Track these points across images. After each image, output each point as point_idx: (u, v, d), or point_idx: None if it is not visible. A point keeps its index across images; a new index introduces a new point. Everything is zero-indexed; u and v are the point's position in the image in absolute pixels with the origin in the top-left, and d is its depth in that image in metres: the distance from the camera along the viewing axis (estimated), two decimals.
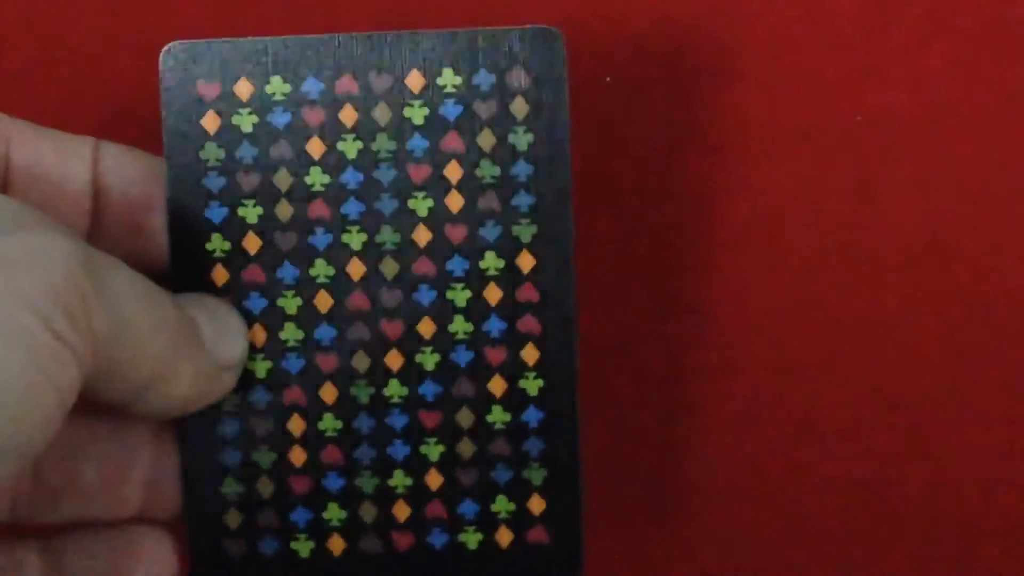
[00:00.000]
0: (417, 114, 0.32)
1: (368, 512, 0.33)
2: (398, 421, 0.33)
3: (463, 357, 0.33)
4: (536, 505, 0.33)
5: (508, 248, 0.33)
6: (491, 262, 0.33)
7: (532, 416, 0.33)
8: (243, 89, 0.32)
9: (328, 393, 0.33)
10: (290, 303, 0.33)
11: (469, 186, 0.33)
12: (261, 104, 0.32)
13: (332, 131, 0.32)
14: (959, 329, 0.39)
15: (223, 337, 0.32)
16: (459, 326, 0.33)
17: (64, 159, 0.33)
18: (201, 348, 0.31)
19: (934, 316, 0.39)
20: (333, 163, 0.33)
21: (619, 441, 0.39)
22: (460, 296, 0.33)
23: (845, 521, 0.40)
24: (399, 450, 0.33)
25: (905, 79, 0.39)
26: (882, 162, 0.39)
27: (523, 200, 0.33)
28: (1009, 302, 0.39)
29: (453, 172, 0.33)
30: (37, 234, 0.28)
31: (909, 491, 0.40)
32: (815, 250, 0.39)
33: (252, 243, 0.33)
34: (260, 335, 0.33)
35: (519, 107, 0.33)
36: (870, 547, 0.40)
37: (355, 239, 0.33)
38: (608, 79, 0.39)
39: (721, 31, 0.39)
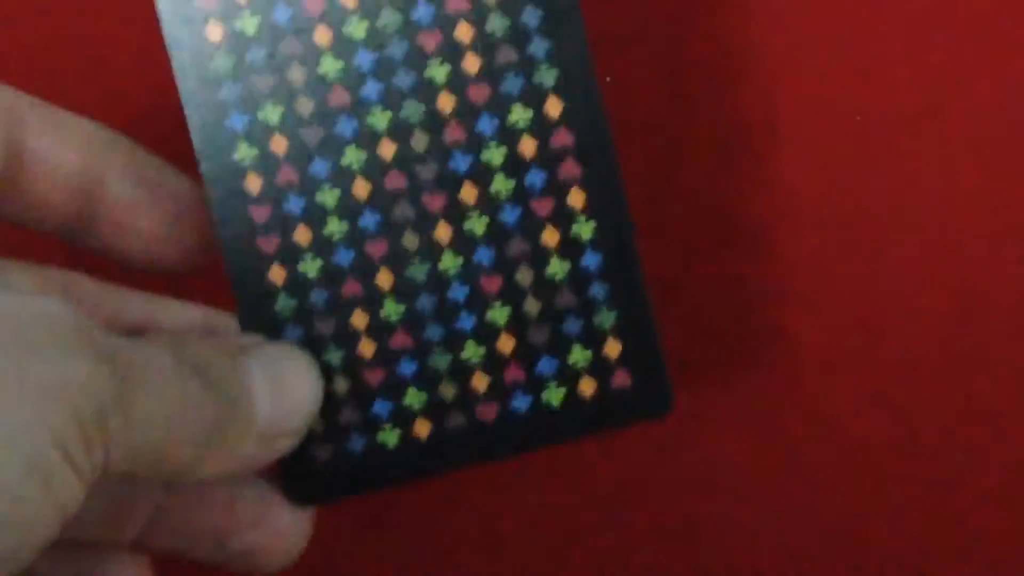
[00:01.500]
0: None
1: (447, 390, 0.33)
2: (459, 292, 0.33)
3: (511, 215, 0.33)
4: (612, 349, 0.33)
5: (534, 97, 0.32)
6: (519, 114, 0.32)
7: (591, 260, 0.33)
8: None
9: (384, 279, 0.33)
10: (329, 196, 0.33)
11: (483, 44, 0.32)
12: (261, 3, 0.32)
13: (336, 15, 0.32)
14: (960, 329, 0.39)
15: (281, 399, 0.31)
16: (500, 185, 0.33)
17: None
18: (251, 419, 0.31)
19: (935, 315, 0.39)
20: (343, 48, 0.32)
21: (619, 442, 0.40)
22: (496, 154, 0.32)
23: (847, 521, 0.40)
24: (466, 321, 0.33)
25: (905, 79, 0.39)
26: (882, 162, 0.39)
27: (539, 46, 0.32)
28: (1010, 302, 0.39)
29: (464, 33, 0.32)
30: (66, 359, 0.27)
31: (910, 490, 0.40)
32: (815, 250, 0.39)
33: (279, 144, 0.32)
34: (305, 235, 0.33)
35: None
36: (872, 547, 0.40)
37: (380, 119, 0.32)
38: (608, 79, 0.39)
39: (721, 31, 0.39)
